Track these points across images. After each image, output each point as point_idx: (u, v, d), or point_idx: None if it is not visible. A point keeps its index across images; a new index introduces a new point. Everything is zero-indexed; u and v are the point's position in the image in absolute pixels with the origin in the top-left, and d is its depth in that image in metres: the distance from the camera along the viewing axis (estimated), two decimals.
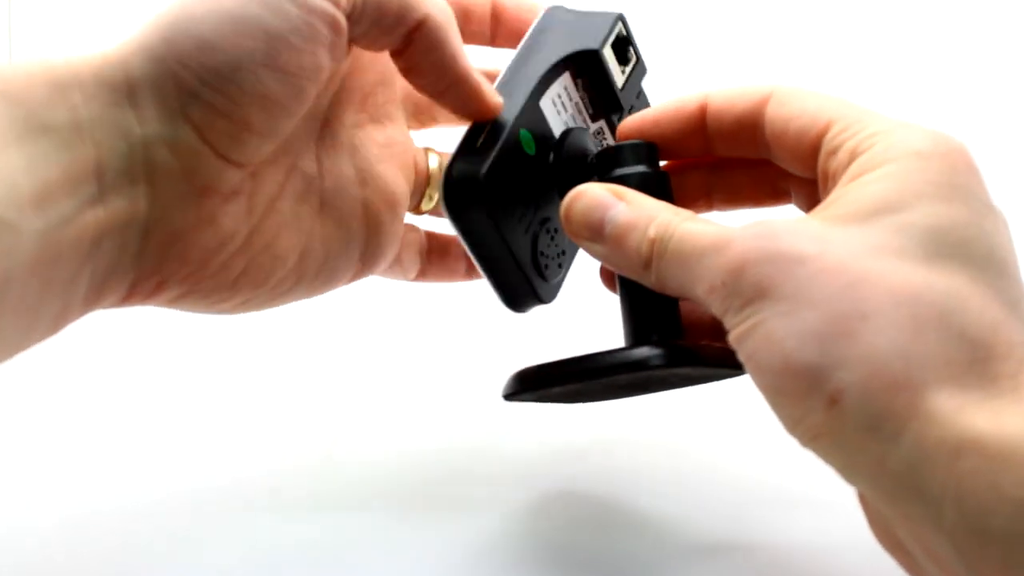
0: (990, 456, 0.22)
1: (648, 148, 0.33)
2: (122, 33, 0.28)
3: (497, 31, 0.37)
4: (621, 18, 0.37)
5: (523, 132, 0.33)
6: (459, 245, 0.36)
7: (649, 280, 0.30)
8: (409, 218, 0.38)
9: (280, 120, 0.29)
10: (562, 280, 0.37)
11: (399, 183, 0.36)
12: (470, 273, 0.39)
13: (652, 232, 0.29)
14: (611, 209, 0.30)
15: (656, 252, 0.29)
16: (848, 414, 0.24)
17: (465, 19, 0.36)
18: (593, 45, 0.36)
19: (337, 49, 0.29)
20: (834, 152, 0.29)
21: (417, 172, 0.37)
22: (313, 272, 0.33)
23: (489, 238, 0.32)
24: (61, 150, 0.25)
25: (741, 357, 0.27)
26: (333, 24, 0.29)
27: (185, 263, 0.29)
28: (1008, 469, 0.22)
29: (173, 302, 0.30)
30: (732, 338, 0.27)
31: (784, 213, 0.31)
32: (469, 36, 0.36)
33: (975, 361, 0.24)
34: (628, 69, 0.38)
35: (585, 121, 0.37)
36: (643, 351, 0.30)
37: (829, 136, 0.29)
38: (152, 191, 0.27)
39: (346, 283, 0.35)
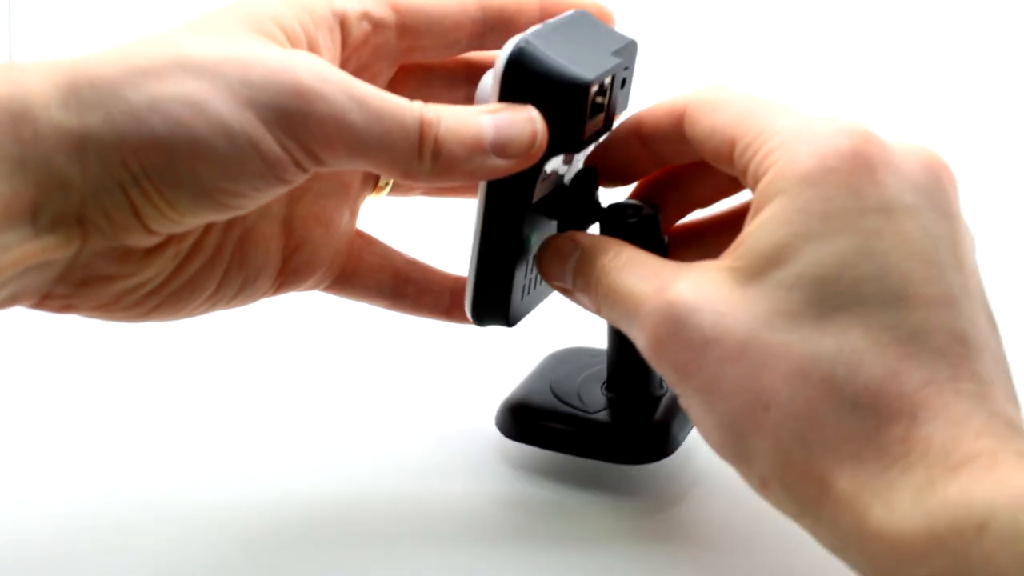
0: (890, 542, 0.24)
1: (650, 221, 0.34)
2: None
3: None
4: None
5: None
6: (439, 281, 0.37)
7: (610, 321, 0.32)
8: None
9: (214, 218, 0.29)
10: (529, 310, 0.38)
11: (334, 195, 0.35)
12: (450, 312, 0.38)
13: (596, 288, 0.31)
14: (569, 259, 0.32)
15: (605, 306, 0.31)
16: (778, 498, 0.27)
17: (515, 18, 0.34)
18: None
19: (293, 184, 0.29)
20: (744, 174, 0.30)
21: None
22: (228, 297, 0.33)
23: (508, 238, 0.33)
24: (2, 181, 0.25)
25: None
26: (294, 183, 0.29)
27: (99, 299, 0.29)
28: (904, 553, 0.24)
29: (81, 315, 0.30)
30: (682, 405, 0.29)
31: None
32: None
33: (867, 431, 0.25)
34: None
35: None
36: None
37: (736, 157, 0.30)
38: (80, 240, 0.27)
39: (265, 297, 0.35)
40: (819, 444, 0.26)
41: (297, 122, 0.27)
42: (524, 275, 0.35)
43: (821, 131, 0.28)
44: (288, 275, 0.35)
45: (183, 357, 0.46)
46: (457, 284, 0.38)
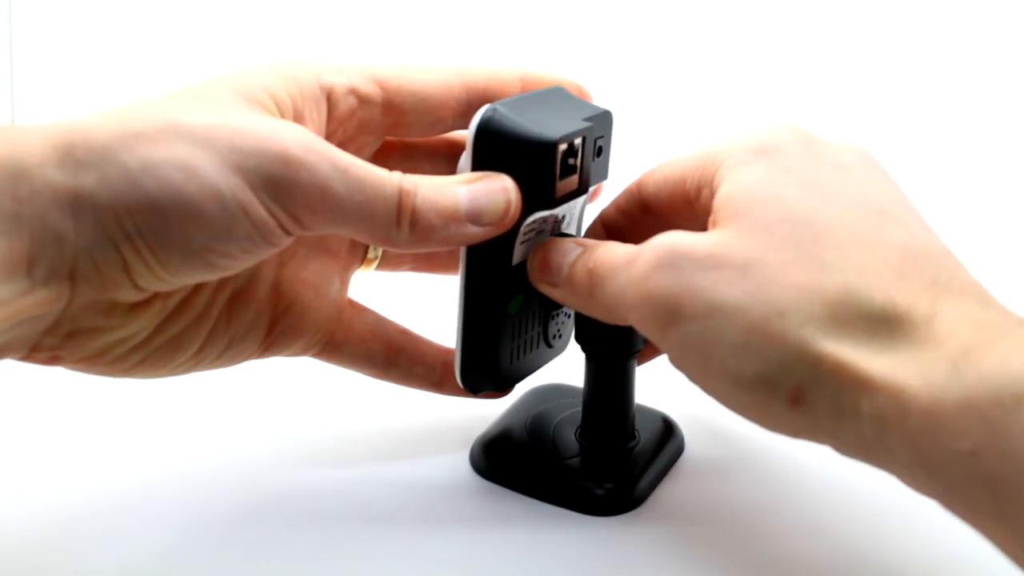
0: (926, 414, 0.24)
1: None
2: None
3: None
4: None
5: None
6: (432, 353, 0.38)
7: (597, 311, 0.32)
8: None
9: (203, 278, 0.30)
10: (522, 375, 0.38)
11: (322, 260, 0.36)
12: (442, 384, 0.38)
13: (591, 263, 0.32)
14: (566, 254, 0.33)
15: (596, 279, 0.31)
16: (815, 407, 0.26)
17: (498, 98, 0.34)
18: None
19: (279, 247, 0.30)
20: (699, 192, 0.32)
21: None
22: (213, 356, 0.33)
23: (490, 300, 0.34)
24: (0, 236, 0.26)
25: (691, 381, 0.29)
26: (279, 246, 0.29)
27: (85, 351, 0.30)
28: (942, 424, 0.24)
29: (66, 367, 0.31)
30: (672, 363, 0.29)
31: None
32: None
33: (892, 321, 0.26)
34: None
35: None
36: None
37: (688, 185, 0.33)
38: (70, 293, 0.27)
39: (250, 359, 0.35)
40: (848, 337, 0.26)
41: (283, 189, 0.28)
42: (512, 338, 0.36)
43: (757, 130, 0.32)
44: (275, 337, 0.35)
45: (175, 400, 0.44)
46: (449, 356, 0.38)
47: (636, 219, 0.35)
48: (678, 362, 0.29)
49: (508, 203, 0.31)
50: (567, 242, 0.33)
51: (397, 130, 0.35)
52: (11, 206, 0.26)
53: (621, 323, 0.31)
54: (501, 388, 0.37)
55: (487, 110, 0.31)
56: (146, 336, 0.31)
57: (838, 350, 0.26)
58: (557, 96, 0.34)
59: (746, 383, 0.27)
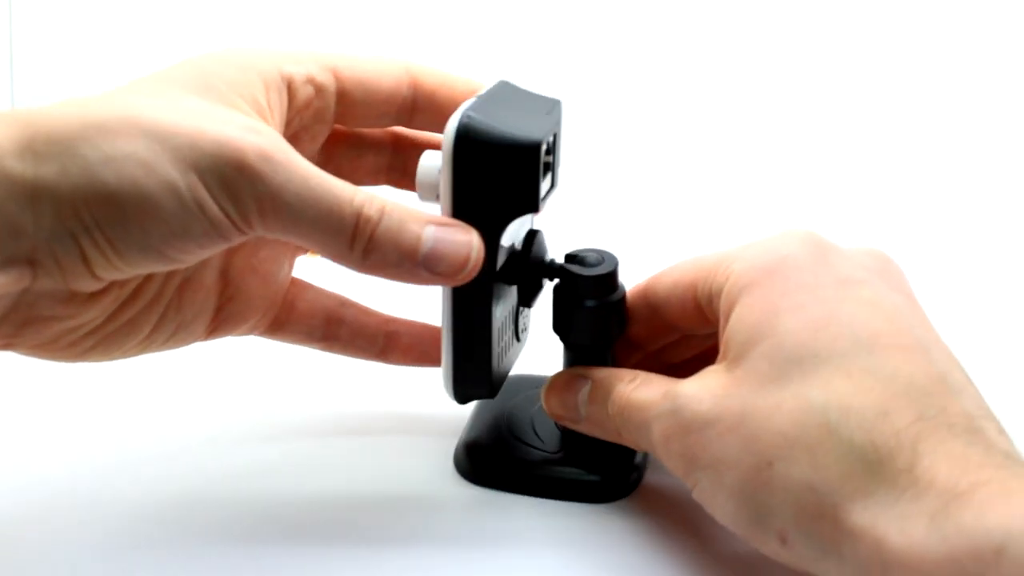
0: (911, 570, 0.25)
1: (606, 278, 0.35)
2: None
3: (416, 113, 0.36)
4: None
5: None
6: (373, 324, 0.38)
7: (629, 444, 0.34)
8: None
9: (158, 269, 0.30)
10: (505, 376, 0.37)
11: (272, 250, 0.36)
12: (385, 353, 0.39)
13: (611, 409, 0.34)
14: (580, 392, 0.35)
15: (620, 423, 0.33)
16: (798, 547, 0.28)
17: (445, 103, 0.35)
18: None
19: (233, 243, 0.30)
20: (709, 301, 0.33)
21: None
22: (162, 340, 0.34)
23: (481, 314, 0.34)
24: None
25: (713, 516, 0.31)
26: (235, 242, 0.30)
27: (39, 338, 0.30)
28: None
29: (19, 352, 0.31)
30: (695, 497, 0.31)
31: None
32: (378, 118, 0.36)
33: (870, 466, 0.26)
34: None
35: None
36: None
37: (699, 293, 0.34)
38: (29, 282, 0.28)
39: (197, 342, 0.35)
40: (826, 485, 0.27)
41: (235, 192, 0.28)
42: (498, 343, 0.35)
43: (770, 238, 0.32)
44: (221, 322, 0.35)
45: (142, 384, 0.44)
46: (390, 325, 0.38)
47: (644, 318, 0.36)
48: (698, 499, 0.31)
49: (467, 259, 0.31)
50: (575, 379, 0.35)
51: (344, 120, 0.35)
52: None
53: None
54: (493, 394, 0.36)
55: (464, 117, 0.31)
56: (100, 322, 0.31)
57: (818, 499, 0.27)
58: (510, 92, 0.34)
59: (742, 525, 0.29)
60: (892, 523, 0.25)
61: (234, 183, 0.28)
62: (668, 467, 0.32)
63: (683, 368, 0.36)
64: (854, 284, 0.31)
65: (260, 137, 0.28)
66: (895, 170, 0.77)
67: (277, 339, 0.38)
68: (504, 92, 0.34)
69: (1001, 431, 0.28)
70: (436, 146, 0.33)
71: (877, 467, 0.26)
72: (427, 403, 0.41)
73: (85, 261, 0.28)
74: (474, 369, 0.35)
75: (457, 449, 0.39)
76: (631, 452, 0.37)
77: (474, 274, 0.31)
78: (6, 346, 0.30)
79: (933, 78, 0.80)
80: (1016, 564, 0.23)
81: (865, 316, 0.29)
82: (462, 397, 0.36)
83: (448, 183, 0.31)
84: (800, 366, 0.29)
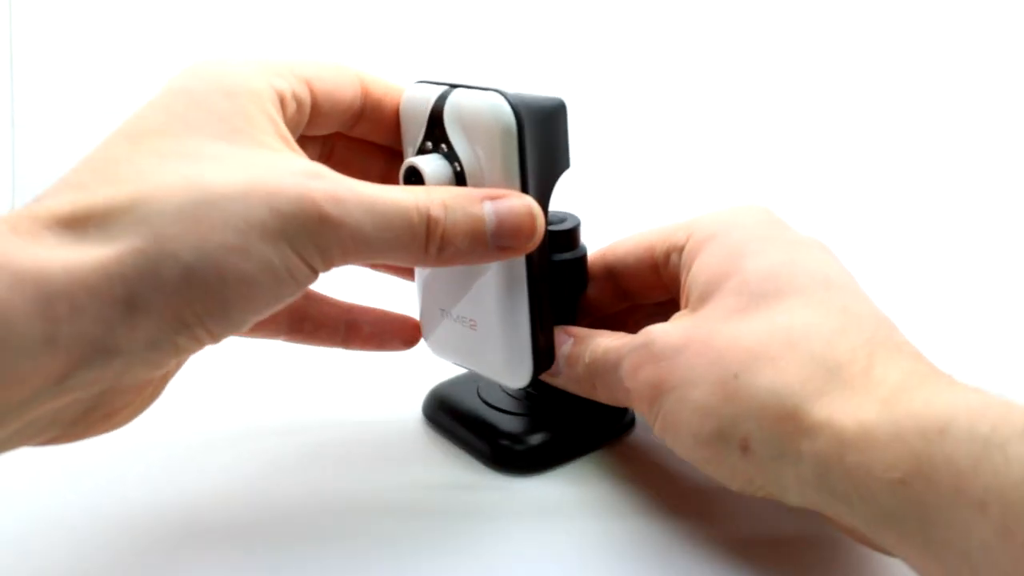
0: (860, 448, 0.27)
1: (569, 233, 0.38)
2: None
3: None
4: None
5: None
6: (334, 315, 0.38)
7: (599, 398, 0.36)
8: None
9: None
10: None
11: None
12: (347, 341, 0.39)
13: (588, 358, 0.35)
14: (562, 346, 0.37)
15: (595, 370, 0.35)
16: (759, 452, 0.29)
17: (385, 112, 0.35)
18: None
19: None
20: (667, 259, 0.36)
21: None
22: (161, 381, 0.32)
23: (546, 286, 0.35)
24: (23, 359, 0.24)
25: (670, 446, 0.33)
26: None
27: (105, 425, 0.29)
28: (874, 456, 0.26)
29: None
30: (657, 434, 0.33)
31: None
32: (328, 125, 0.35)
33: (830, 371, 0.29)
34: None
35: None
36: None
37: (657, 254, 0.37)
38: (110, 385, 0.27)
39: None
40: (787, 389, 0.29)
41: (323, 247, 0.28)
42: None
43: (727, 209, 0.36)
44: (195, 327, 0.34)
45: None
46: (351, 314, 0.39)
47: (600, 278, 0.39)
48: (660, 432, 0.33)
49: (534, 228, 0.32)
50: (559, 334, 0.37)
51: (307, 129, 0.35)
52: (44, 328, 0.24)
53: (620, 405, 0.36)
54: (551, 363, 0.37)
55: (507, 98, 0.32)
56: (153, 388, 0.30)
57: (780, 401, 0.29)
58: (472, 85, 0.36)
59: (704, 438, 0.31)
60: (848, 413, 0.28)
61: (320, 239, 0.28)
62: (635, 403, 0.33)
63: None
64: (804, 244, 0.34)
65: (323, 181, 0.28)
66: (881, 171, 0.77)
67: (245, 335, 0.37)
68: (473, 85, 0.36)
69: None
70: (379, 146, 0.36)
71: (836, 371, 0.29)
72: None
73: (177, 353, 0.27)
74: (546, 341, 0.36)
75: (427, 395, 0.42)
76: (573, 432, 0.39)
77: (540, 239, 0.32)
78: (48, 442, 0.28)
79: (922, 83, 0.81)
80: (959, 440, 0.25)
81: (818, 264, 0.33)
82: (535, 377, 0.36)
83: (505, 162, 0.32)
84: (764, 298, 0.31)
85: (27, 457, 0.29)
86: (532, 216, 0.32)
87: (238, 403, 0.44)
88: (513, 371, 0.36)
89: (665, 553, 0.33)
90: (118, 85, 0.80)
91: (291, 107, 0.32)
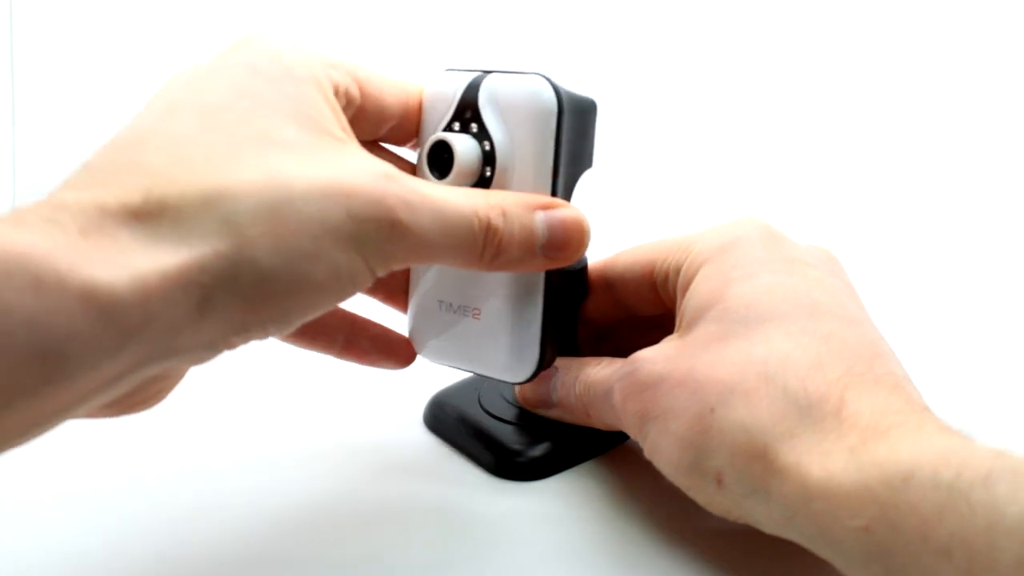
0: (826, 497, 0.27)
1: None
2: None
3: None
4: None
5: None
6: (333, 323, 0.38)
7: (598, 425, 0.36)
8: None
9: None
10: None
11: None
12: (346, 350, 0.38)
13: (579, 389, 0.36)
14: (551, 380, 0.37)
15: (588, 399, 0.36)
16: (732, 488, 0.30)
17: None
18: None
19: None
20: (666, 280, 0.36)
21: None
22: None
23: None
24: (85, 370, 0.23)
25: (659, 469, 0.33)
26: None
27: (149, 402, 0.29)
28: (839, 504, 0.26)
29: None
30: (647, 457, 0.33)
31: None
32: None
33: (801, 410, 0.29)
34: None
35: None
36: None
37: (656, 272, 0.37)
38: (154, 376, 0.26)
39: None
40: (759, 426, 0.29)
41: (389, 251, 0.28)
42: None
43: (727, 223, 0.35)
44: None
45: None
46: (353, 326, 0.38)
47: (599, 290, 0.39)
48: (648, 456, 0.33)
49: (582, 240, 0.33)
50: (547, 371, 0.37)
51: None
52: (113, 341, 0.23)
53: (616, 430, 0.36)
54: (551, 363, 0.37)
55: (551, 81, 0.33)
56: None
57: (751, 439, 0.29)
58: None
59: (683, 469, 0.31)
60: (815, 459, 0.28)
61: (389, 245, 0.27)
62: (628, 430, 0.34)
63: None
64: (801, 263, 0.34)
65: (396, 184, 0.28)
66: (881, 172, 0.77)
67: None
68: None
69: (921, 398, 0.30)
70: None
71: (807, 411, 0.29)
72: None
73: (227, 349, 0.27)
74: (552, 340, 0.36)
75: (427, 402, 0.42)
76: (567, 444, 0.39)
77: (585, 250, 0.33)
78: (102, 415, 0.28)
79: (918, 88, 0.81)
80: (922, 489, 0.25)
81: (807, 288, 0.32)
82: (536, 374, 0.36)
83: (541, 145, 0.33)
84: (745, 325, 0.31)
85: (27, 454, 0.28)
86: (582, 230, 0.32)
87: (237, 408, 0.45)
88: (515, 365, 0.36)
89: (666, 559, 0.33)
90: (119, 85, 0.81)
91: (341, 102, 0.31)
